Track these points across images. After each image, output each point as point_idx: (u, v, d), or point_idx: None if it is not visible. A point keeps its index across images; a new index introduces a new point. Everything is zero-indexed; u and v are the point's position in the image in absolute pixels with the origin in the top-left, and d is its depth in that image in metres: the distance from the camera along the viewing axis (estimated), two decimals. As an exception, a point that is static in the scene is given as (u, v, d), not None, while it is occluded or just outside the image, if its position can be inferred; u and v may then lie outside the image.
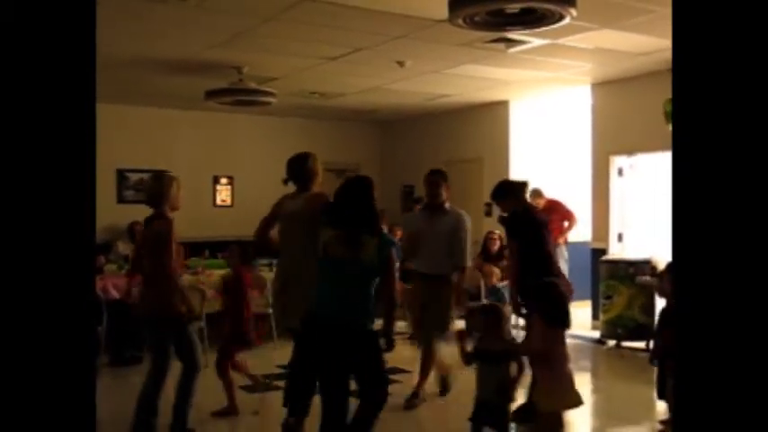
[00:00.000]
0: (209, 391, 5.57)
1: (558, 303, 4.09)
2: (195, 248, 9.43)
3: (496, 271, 8.56)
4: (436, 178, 5.82)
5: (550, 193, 9.39)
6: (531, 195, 9.26)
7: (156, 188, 4.63)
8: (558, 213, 9.07)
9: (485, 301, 8.40)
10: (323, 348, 3.80)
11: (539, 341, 4.08)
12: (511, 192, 5.34)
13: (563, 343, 4.16)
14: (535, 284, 4.29)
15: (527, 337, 4.54)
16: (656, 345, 5.18)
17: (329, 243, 3.79)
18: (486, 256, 8.98)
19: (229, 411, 5.52)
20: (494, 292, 8.29)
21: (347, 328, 3.75)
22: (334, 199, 3.97)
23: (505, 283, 8.66)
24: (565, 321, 4.09)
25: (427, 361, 5.75)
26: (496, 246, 9.02)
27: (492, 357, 4.17)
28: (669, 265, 4.56)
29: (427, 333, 5.73)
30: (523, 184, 5.49)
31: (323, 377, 3.90)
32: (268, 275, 8.27)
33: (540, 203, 9.12)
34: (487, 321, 4.26)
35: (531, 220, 5.20)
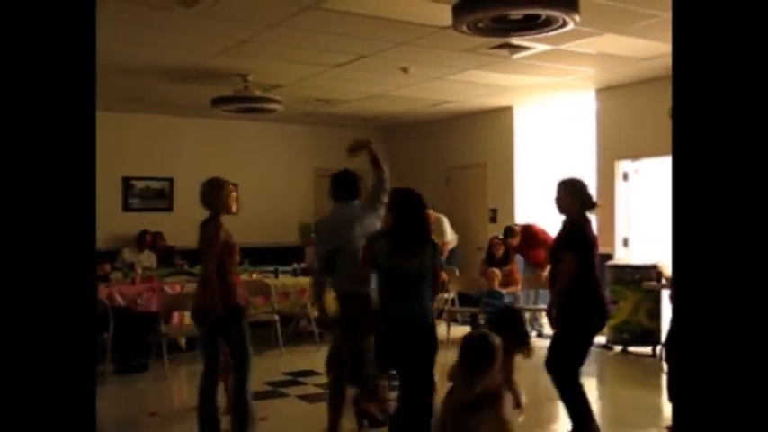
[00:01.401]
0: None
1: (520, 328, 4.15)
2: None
3: (498, 273, 8.48)
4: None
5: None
6: (504, 235, 9.19)
7: (208, 193, 4.76)
8: (535, 242, 8.88)
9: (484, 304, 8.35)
10: (399, 345, 4.16)
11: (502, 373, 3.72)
12: (578, 194, 4.83)
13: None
14: (497, 313, 4.23)
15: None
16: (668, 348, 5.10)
17: (393, 255, 4.11)
18: (492, 261, 8.94)
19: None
20: (494, 295, 8.18)
21: (414, 324, 4.14)
22: (394, 216, 4.27)
23: (511, 288, 8.63)
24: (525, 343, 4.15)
25: None
26: (501, 251, 8.98)
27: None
28: None
29: None
30: (591, 202, 4.85)
31: (404, 370, 4.26)
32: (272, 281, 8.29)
33: (515, 242, 9.02)
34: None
35: (586, 234, 4.94)
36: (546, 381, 4.73)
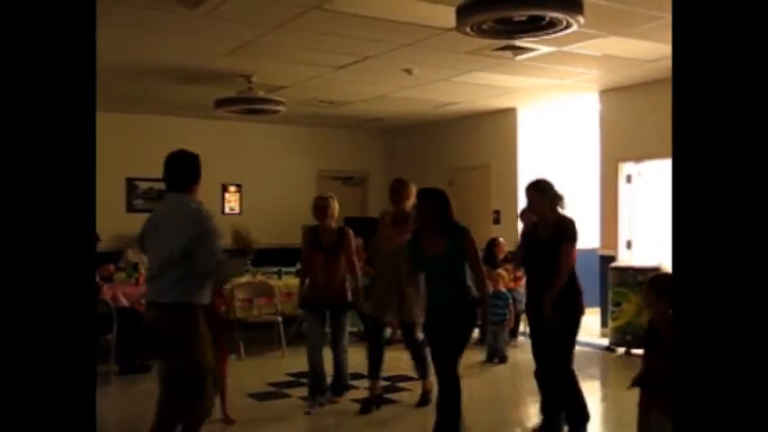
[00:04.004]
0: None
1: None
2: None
3: (504, 274, 8.38)
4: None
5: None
6: (521, 216, 9.12)
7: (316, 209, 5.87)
8: None
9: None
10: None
11: None
12: (548, 192, 4.94)
13: None
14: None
15: None
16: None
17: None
18: (494, 263, 8.86)
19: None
20: (500, 296, 8.12)
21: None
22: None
23: (516, 285, 8.56)
24: None
25: None
26: (503, 252, 8.93)
27: None
28: (652, 278, 3.97)
29: None
30: (558, 197, 4.93)
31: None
32: (275, 283, 8.31)
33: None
34: None
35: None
36: (525, 383, 4.72)
